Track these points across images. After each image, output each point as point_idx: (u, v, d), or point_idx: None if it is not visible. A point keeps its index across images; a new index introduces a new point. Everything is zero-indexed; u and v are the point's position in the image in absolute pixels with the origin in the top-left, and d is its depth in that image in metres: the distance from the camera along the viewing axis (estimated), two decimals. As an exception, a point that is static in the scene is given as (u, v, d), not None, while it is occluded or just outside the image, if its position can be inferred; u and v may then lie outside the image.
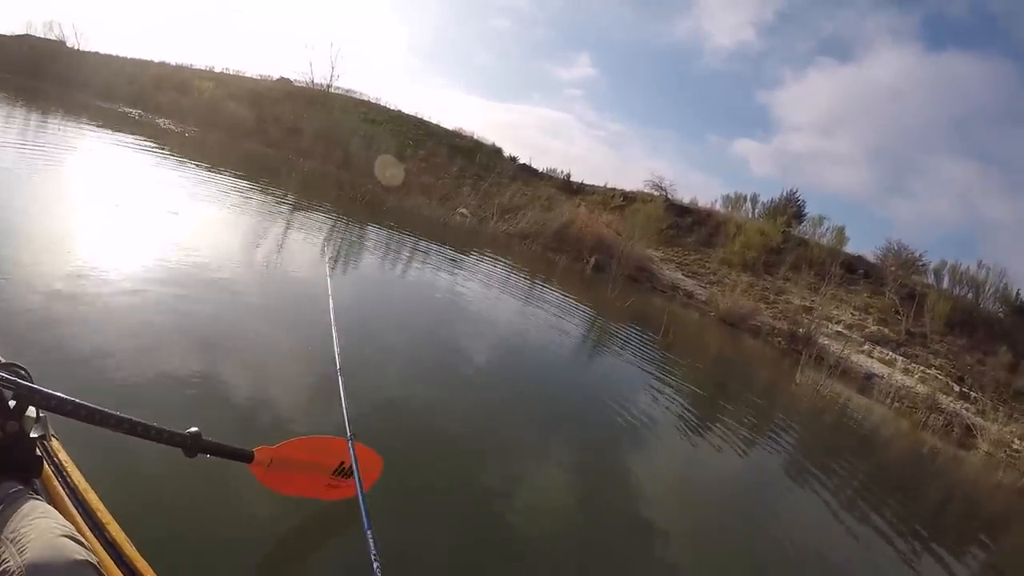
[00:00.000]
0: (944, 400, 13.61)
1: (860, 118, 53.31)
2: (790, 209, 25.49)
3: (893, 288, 19.43)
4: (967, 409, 13.51)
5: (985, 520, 6.81)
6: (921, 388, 13.88)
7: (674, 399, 6.26)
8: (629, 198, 26.62)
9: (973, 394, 14.37)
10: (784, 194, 26.57)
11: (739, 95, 57.16)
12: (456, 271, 9.81)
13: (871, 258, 22.84)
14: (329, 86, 29.86)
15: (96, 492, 1.31)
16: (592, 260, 17.51)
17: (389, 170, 20.29)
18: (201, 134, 19.35)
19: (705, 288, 19.29)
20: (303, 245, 7.79)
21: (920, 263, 21.89)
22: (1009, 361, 15.81)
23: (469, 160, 26.36)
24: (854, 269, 21.34)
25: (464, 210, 20.15)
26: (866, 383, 14.01)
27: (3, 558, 0.91)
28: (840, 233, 23.44)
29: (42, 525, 0.98)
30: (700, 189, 66.26)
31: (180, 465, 1.69)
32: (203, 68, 30.40)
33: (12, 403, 1.14)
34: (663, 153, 56.68)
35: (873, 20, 50.98)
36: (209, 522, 2.09)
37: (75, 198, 6.45)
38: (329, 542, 2.26)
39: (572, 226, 19.60)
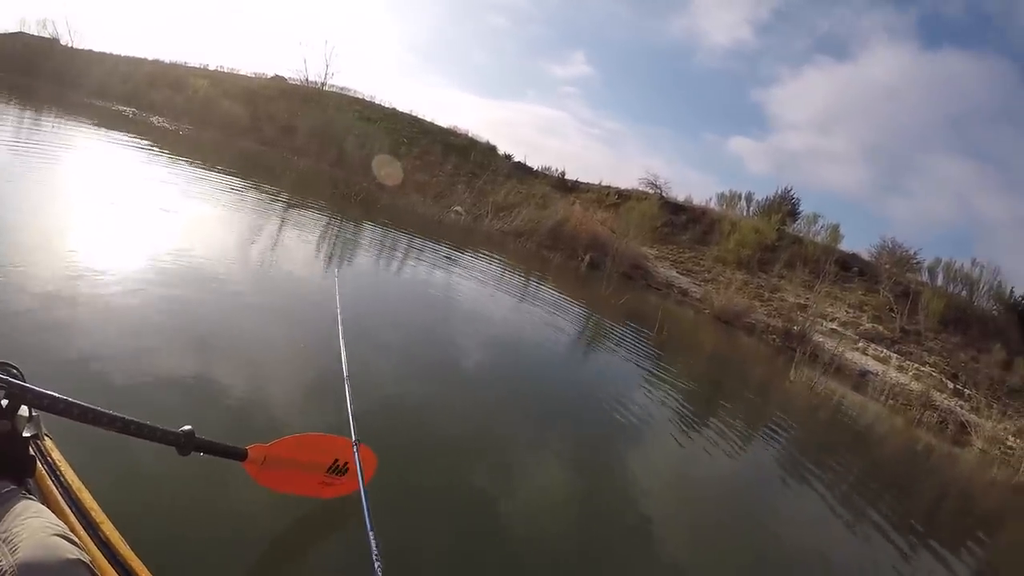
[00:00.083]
0: (938, 397, 13.68)
1: (856, 116, 53.61)
2: (785, 207, 25.54)
3: (888, 286, 19.51)
4: (961, 406, 13.57)
5: (979, 517, 6.85)
6: (915, 385, 13.94)
7: (669, 396, 6.27)
8: (624, 196, 26.65)
9: (967, 391, 14.45)
10: (779, 192, 26.72)
11: (735, 93, 57.47)
12: (452, 269, 9.80)
13: (866, 256, 22.99)
14: (323, 84, 29.73)
15: (89, 491, 1.30)
16: (587, 258, 17.50)
17: (386, 169, 20.25)
18: (195, 132, 19.26)
19: (700, 286, 19.32)
20: (297, 243, 7.76)
21: (914, 261, 22.03)
22: (1003, 358, 15.91)
23: (464, 158, 26.33)
24: (849, 267, 21.41)
25: (459, 208, 20.12)
26: (860, 380, 14.07)
27: (-5, 558, 0.91)
28: (835, 231, 23.59)
29: (35, 524, 0.97)
30: (695, 187, 66.07)
31: (174, 464, 1.68)
32: (197, 66, 30.31)
33: (4, 402, 1.12)
34: (658, 151, 56.78)
35: (869, 18, 51.17)
36: (204, 521, 2.08)
37: (69, 196, 6.41)
38: (326, 541, 2.25)
39: (567, 224, 19.58)
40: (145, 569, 1.17)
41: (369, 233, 11.14)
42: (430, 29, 71.53)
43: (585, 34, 65.84)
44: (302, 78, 29.63)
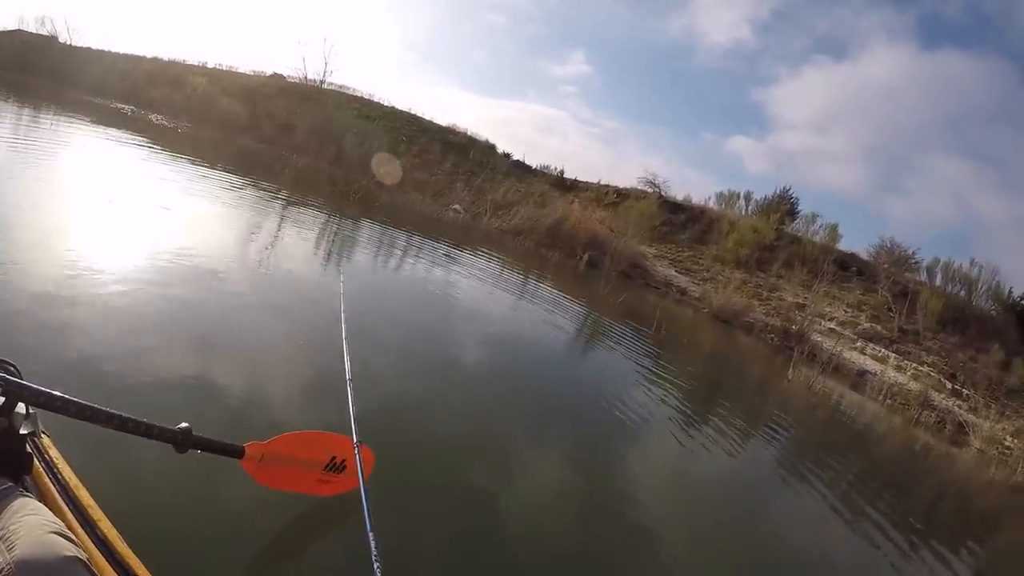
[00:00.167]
0: (936, 397, 13.70)
1: (855, 116, 53.56)
2: (783, 206, 25.52)
3: (886, 285, 19.51)
4: (959, 406, 13.60)
5: (977, 516, 6.87)
6: (913, 385, 13.97)
7: (667, 395, 6.27)
8: (623, 195, 26.61)
9: (965, 391, 14.47)
10: (777, 191, 26.68)
11: (734, 93, 57.35)
12: (451, 267, 9.78)
13: (864, 256, 22.95)
14: (322, 82, 29.65)
15: (87, 489, 1.29)
16: (585, 256, 17.50)
17: (385, 167, 20.22)
18: (194, 130, 19.22)
19: (698, 285, 19.32)
20: (296, 241, 7.75)
21: (913, 261, 22.01)
22: (1001, 359, 15.92)
23: (462, 156, 26.29)
24: (847, 266, 21.41)
25: (457, 206, 20.11)
26: (859, 380, 14.09)
27: (-8, 555, 0.90)
28: (833, 230, 23.55)
29: (32, 522, 0.97)
30: (694, 186, 66.04)
31: (172, 461, 1.68)
32: (196, 64, 30.22)
33: (1, 399, 1.12)
34: (657, 150, 56.62)
35: (868, 18, 51.14)
36: (201, 519, 2.08)
37: (68, 194, 6.40)
38: (324, 539, 2.25)
39: (565, 223, 19.57)
40: (142, 566, 1.17)
41: (368, 231, 11.13)
42: (429, 28, 71.61)
43: (584, 33, 65.81)
44: (301, 76, 29.56)
